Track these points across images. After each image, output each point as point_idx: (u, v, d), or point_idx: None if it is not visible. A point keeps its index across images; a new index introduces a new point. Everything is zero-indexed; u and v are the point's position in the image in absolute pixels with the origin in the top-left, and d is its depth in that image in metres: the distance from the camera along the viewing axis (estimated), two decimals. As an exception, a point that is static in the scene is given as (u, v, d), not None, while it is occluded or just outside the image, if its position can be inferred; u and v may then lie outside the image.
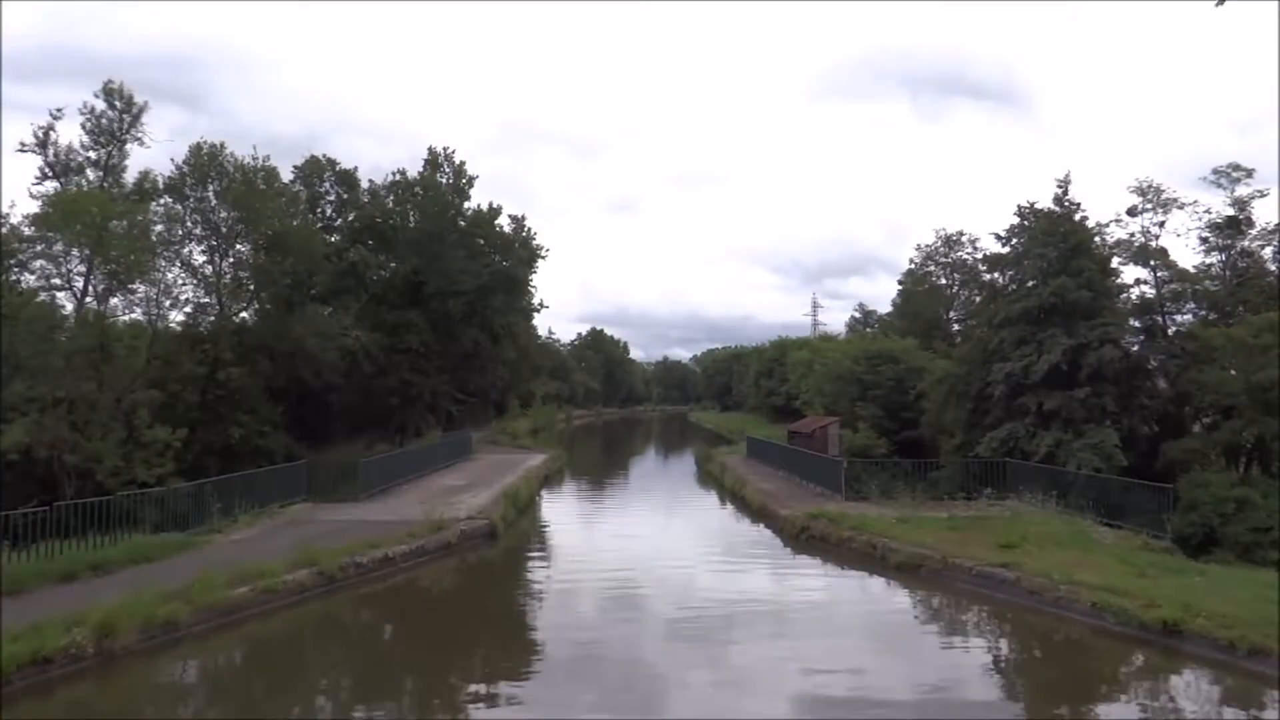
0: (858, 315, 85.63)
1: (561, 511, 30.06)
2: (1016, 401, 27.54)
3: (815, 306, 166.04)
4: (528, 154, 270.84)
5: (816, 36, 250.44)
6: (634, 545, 22.08)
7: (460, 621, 14.74)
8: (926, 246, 65.17)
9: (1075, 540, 17.99)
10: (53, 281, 28.74)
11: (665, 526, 26.17)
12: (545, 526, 26.58)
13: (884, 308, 79.14)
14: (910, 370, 38.14)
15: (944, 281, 65.23)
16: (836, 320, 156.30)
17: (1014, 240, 30.56)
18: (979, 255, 62.24)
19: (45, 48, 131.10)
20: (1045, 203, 29.85)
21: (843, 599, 16.36)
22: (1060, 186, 29.30)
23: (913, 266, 66.27)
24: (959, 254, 64.60)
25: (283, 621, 13.93)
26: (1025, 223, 30.33)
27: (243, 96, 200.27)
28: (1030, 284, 28.67)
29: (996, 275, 31.73)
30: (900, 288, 66.86)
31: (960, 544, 17.61)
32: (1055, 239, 28.13)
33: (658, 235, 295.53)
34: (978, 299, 62.51)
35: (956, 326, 62.10)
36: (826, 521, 21.08)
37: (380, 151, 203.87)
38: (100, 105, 31.17)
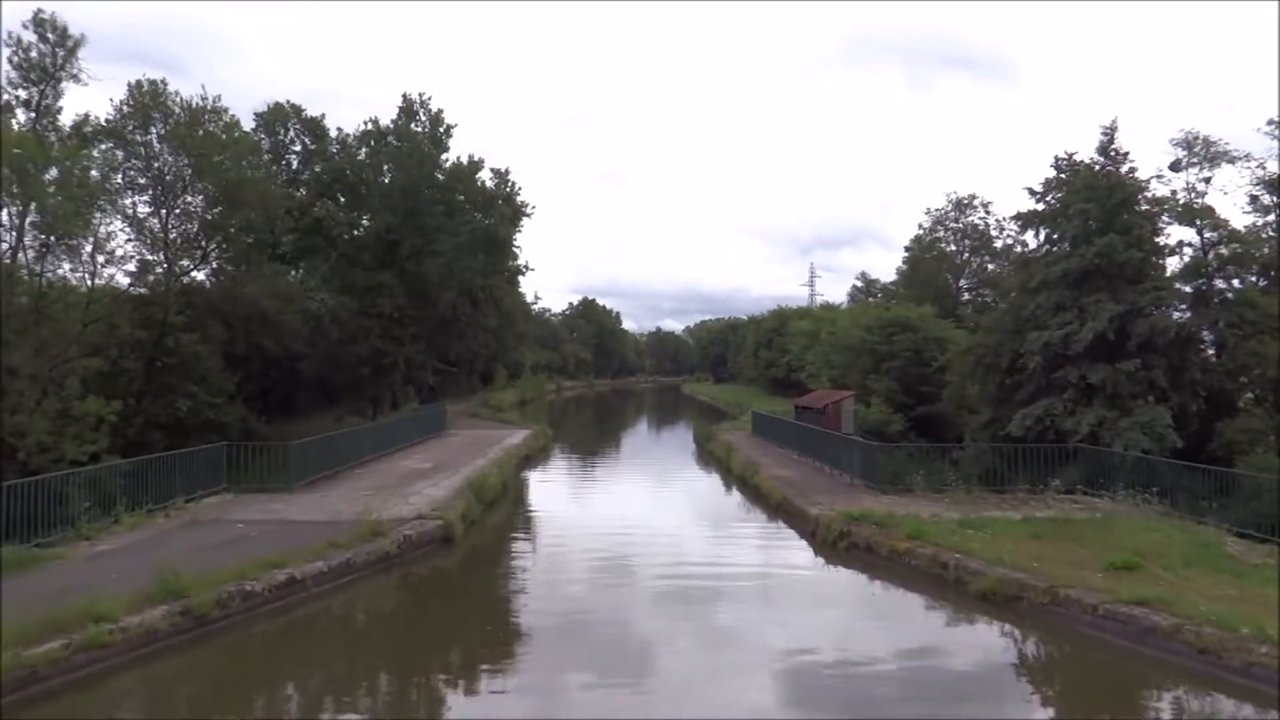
0: (859, 285, 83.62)
1: (538, 505, 26.35)
2: (1054, 375, 25.38)
3: (813, 276, 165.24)
4: (518, 123, 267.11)
5: (809, 9, 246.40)
6: (620, 552, 18.23)
7: (369, 673, 11.18)
8: (936, 211, 63.29)
9: (1206, 556, 14.51)
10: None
11: (660, 522, 22.26)
12: (516, 529, 22.30)
13: (878, 279, 77.37)
14: (929, 340, 35.97)
15: (954, 248, 63.36)
16: (830, 292, 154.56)
17: (1050, 196, 28.19)
18: (992, 220, 60.66)
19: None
20: (1086, 154, 27.62)
21: (950, 649, 12.20)
22: (1105, 134, 27.01)
23: (920, 232, 64.39)
24: (970, 218, 63.06)
25: (103, 695, 9.85)
26: (1062, 176, 28.00)
27: (228, 63, 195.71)
28: (1069, 244, 26.40)
29: (1030, 234, 29.33)
30: (907, 254, 64.93)
31: (1058, 563, 14.00)
32: (1099, 193, 25.80)
33: (649, 207, 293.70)
34: (990, 266, 61.47)
35: (966, 296, 60.38)
36: (873, 526, 17.37)
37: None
38: (30, 38, 28.36)
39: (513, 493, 26.34)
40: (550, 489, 29.92)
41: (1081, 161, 27.70)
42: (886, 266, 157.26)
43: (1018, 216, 28.73)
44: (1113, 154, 26.79)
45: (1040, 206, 28.62)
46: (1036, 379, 26.09)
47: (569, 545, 19.26)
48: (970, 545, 15.27)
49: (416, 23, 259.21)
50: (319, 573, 14.09)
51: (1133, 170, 26.64)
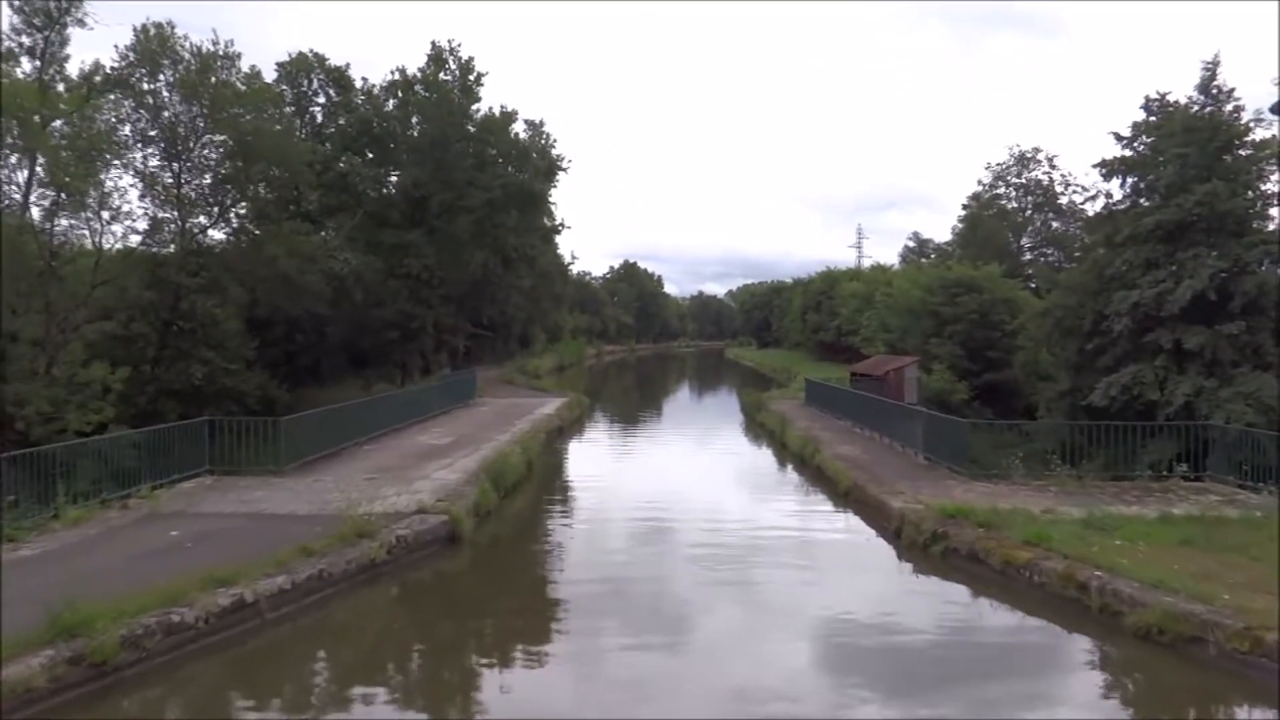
0: (912, 245, 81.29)
1: (566, 491, 23.17)
2: (1144, 339, 23.24)
3: (860, 237, 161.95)
4: (559, 90, 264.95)
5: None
6: (659, 556, 15.42)
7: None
8: (997, 165, 60.95)
9: None
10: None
11: (707, 515, 18.61)
12: (538, 524, 18.98)
13: (931, 239, 74.87)
14: (996, 302, 33.75)
15: (1015, 205, 60.86)
16: (877, 254, 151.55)
17: (1139, 140, 25.81)
18: (1057, 175, 57.99)
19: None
20: (1182, 94, 25.23)
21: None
22: (1206, 69, 24.53)
23: (980, 188, 62.10)
24: (1034, 174, 60.36)
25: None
26: (1153, 119, 25.60)
27: (247, 21, 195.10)
28: (1160, 194, 24.12)
29: (1115, 184, 26.95)
30: (965, 212, 62.66)
31: (1234, 585, 10.82)
32: (1199, 135, 23.46)
33: (692, 171, 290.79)
34: (1055, 224, 58.79)
35: (1028, 255, 57.86)
36: (977, 529, 14.17)
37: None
38: (31, -21, 27.02)
39: (539, 474, 23.72)
40: (582, 469, 27.10)
41: (1176, 102, 25.31)
42: (935, 228, 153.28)
43: (1101, 164, 26.35)
44: (1214, 91, 24.35)
45: (1127, 153, 26.26)
46: (1123, 343, 23.96)
47: (600, 547, 16.20)
48: (1113, 558, 12.00)
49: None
50: (278, 591, 11.19)
51: (1238, 110, 24.18)
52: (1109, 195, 27.41)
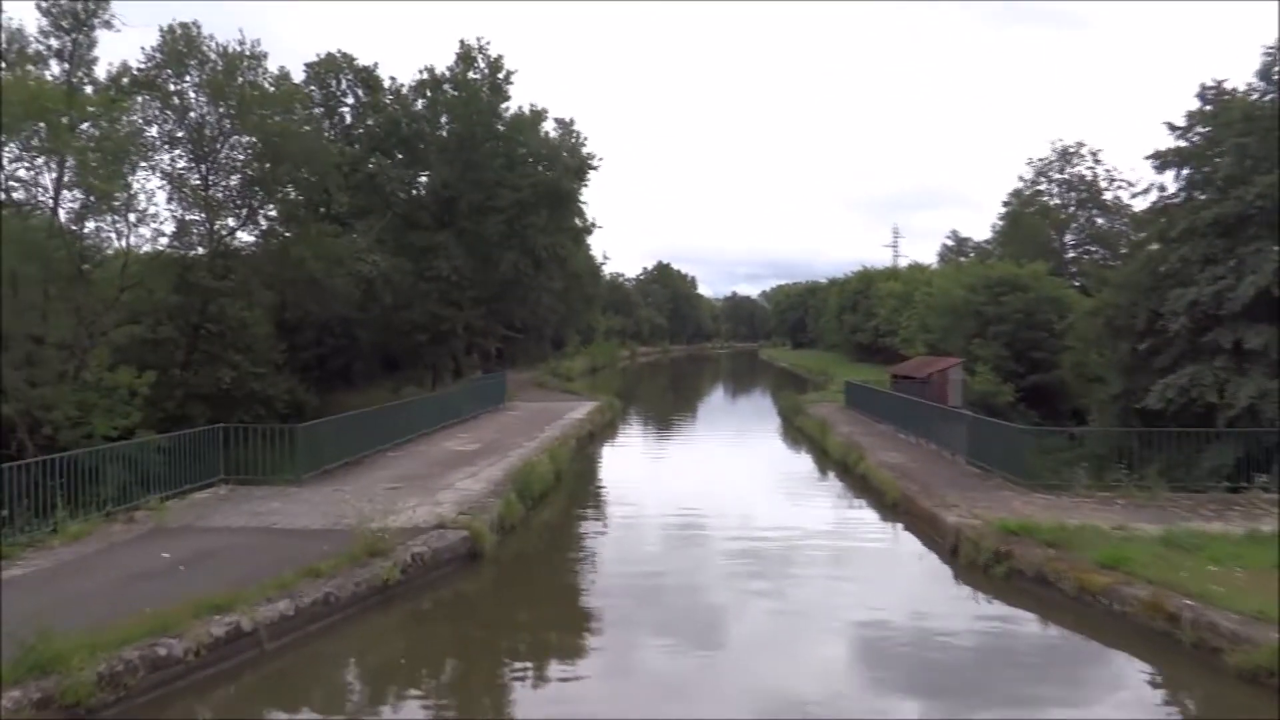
0: (950, 244, 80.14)
1: (597, 500, 22.58)
2: (1203, 338, 22.29)
3: (896, 236, 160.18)
4: (592, 87, 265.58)
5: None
6: (697, 573, 14.46)
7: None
8: (1038, 160, 59.77)
9: None
10: (14, 196, 25.30)
11: (746, 527, 17.97)
12: (566, 536, 18.33)
13: (970, 238, 73.57)
14: (1042, 301, 32.82)
15: (1058, 202, 59.66)
16: (912, 253, 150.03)
17: (1194, 130, 24.84)
18: (1101, 170, 56.73)
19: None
20: (1239, 82, 24.23)
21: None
22: (1267, 55, 23.52)
23: (1021, 184, 61.00)
24: (1077, 169, 59.08)
25: None
26: (1209, 109, 24.64)
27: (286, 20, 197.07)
28: (1218, 187, 23.17)
29: (1169, 175, 25.98)
30: (1005, 209, 61.57)
31: None
32: (1260, 123, 22.48)
33: (724, 173, 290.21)
34: (1100, 221, 57.46)
35: (1072, 253, 56.61)
36: (1044, 549, 12.94)
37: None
38: (58, -18, 27.00)
39: (568, 484, 23.03)
40: (614, 477, 26.52)
41: (1234, 90, 24.35)
42: (970, 226, 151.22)
43: (1154, 155, 25.43)
44: (1276, 78, 23.33)
45: (1181, 144, 25.30)
46: (1179, 343, 23.03)
47: (632, 566, 15.11)
48: (1204, 585, 10.74)
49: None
50: (279, 618, 10.34)
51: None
52: (1161, 188, 26.44)
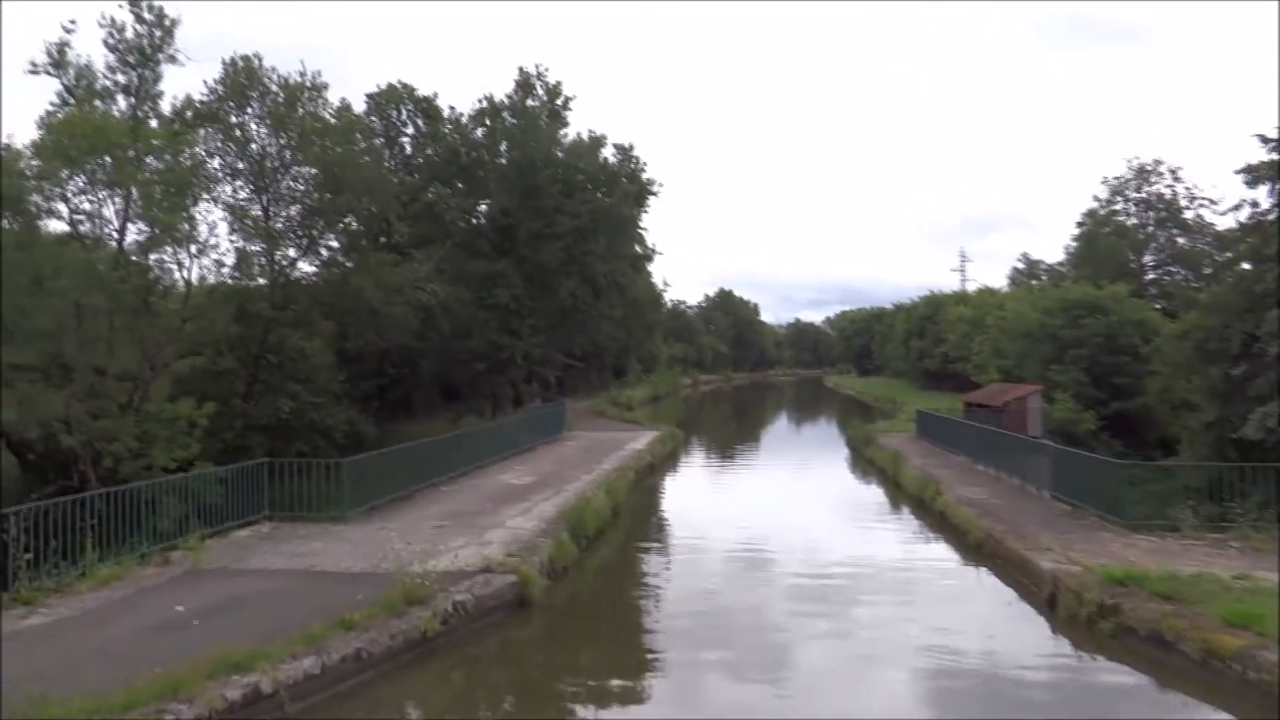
0: (1020, 267, 78.08)
1: (656, 539, 21.31)
2: (1305, 363, 20.90)
3: (963, 260, 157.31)
4: (653, 114, 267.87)
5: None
6: (761, 628, 13.14)
7: None
8: (1114, 180, 57.99)
9: None
10: (80, 229, 25.77)
11: (815, 571, 16.66)
12: (623, 579, 17.15)
13: (1042, 260, 71.60)
14: (1125, 323, 31.43)
15: (1135, 221, 57.78)
16: (980, 277, 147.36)
17: (1290, 142, 23.54)
18: (1181, 188, 54.82)
19: None
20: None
21: None
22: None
23: (1096, 204, 59.21)
24: (1155, 187, 57.18)
25: None
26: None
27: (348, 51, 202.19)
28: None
29: (1262, 190, 24.64)
30: (1080, 229, 59.80)
31: None
32: (1362, 132, 21.17)
33: (786, 198, 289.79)
34: (1180, 240, 55.43)
35: (1151, 275, 54.63)
36: (1158, 602, 11.53)
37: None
38: (125, 18, 27.64)
39: (625, 520, 22.05)
40: (675, 513, 25.38)
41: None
42: (1039, 249, 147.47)
43: (1246, 169, 24.18)
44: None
45: (1275, 156, 23.98)
46: (1277, 368, 21.66)
47: (694, 619, 13.78)
48: None
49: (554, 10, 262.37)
50: (304, 678, 9.43)
51: None
52: (1254, 204, 25.10)
